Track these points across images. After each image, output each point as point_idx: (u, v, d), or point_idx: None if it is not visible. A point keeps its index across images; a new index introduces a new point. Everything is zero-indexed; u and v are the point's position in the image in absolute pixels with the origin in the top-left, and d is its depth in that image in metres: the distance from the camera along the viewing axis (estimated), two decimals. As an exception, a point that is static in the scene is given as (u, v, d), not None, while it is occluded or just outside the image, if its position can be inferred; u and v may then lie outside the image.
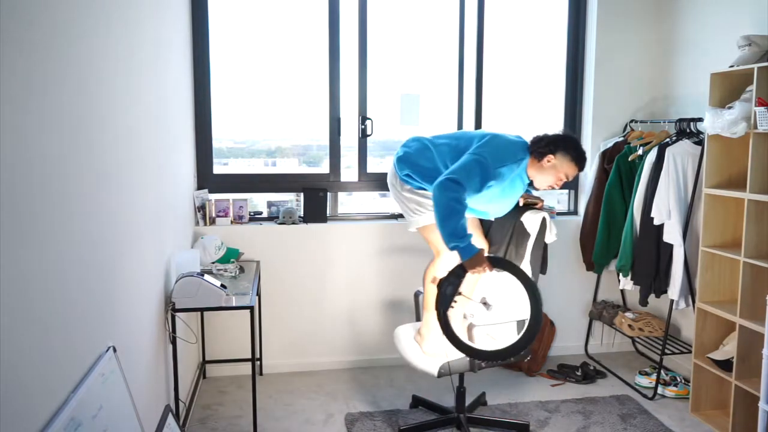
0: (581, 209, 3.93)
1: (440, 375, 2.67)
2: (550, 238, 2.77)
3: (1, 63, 1.12)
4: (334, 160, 3.72)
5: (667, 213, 3.21)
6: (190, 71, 3.41)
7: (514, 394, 3.33)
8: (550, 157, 2.64)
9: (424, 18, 3.80)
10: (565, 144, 2.65)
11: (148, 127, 2.32)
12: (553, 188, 2.73)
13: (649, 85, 3.87)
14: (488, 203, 2.73)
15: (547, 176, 2.68)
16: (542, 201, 2.86)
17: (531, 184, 2.76)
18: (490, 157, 2.55)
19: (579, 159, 2.67)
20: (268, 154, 3.92)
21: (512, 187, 2.72)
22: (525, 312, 2.54)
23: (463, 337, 2.67)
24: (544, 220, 2.74)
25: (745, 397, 2.79)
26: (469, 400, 3.02)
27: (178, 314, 2.59)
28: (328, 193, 3.69)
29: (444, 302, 2.47)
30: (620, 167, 3.57)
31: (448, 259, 2.66)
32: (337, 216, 3.75)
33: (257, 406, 2.84)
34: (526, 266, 2.73)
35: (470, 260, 2.42)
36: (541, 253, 2.80)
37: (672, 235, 3.22)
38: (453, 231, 2.42)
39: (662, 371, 3.37)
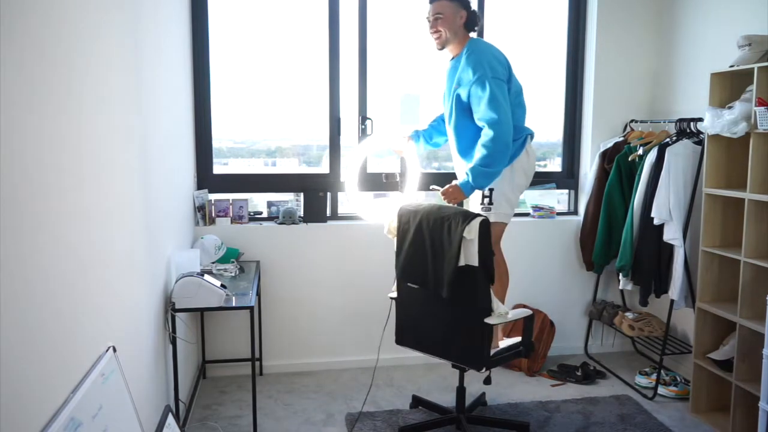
0: (581, 209, 3.92)
1: None
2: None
3: None
4: (334, 160, 3.72)
5: (667, 213, 3.20)
6: (190, 71, 3.41)
7: (514, 394, 3.33)
8: None
9: (424, 18, 3.79)
10: None
11: (148, 127, 2.32)
12: (435, 37, 2.89)
13: (649, 86, 3.87)
14: None
15: None
16: (441, 189, 2.87)
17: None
18: None
19: None
20: (268, 154, 3.92)
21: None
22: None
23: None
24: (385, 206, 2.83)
25: (745, 397, 2.79)
26: (469, 400, 3.02)
27: (178, 314, 2.59)
28: (328, 193, 3.69)
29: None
30: (620, 167, 3.57)
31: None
32: (337, 216, 3.75)
33: (257, 406, 2.84)
34: None
35: None
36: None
37: (672, 235, 3.22)
38: None
39: (662, 371, 3.36)
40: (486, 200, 2.84)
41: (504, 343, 2.82)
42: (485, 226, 2.51)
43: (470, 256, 2.55)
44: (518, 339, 2.80)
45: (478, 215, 2.55)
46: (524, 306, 3.71)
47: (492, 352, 2.67)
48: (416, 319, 2.81)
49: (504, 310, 2.59)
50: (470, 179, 2.72)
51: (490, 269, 2.54)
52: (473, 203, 2.98)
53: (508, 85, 2.80)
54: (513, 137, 2.78)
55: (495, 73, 2.72)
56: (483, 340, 2.58)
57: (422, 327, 2.80)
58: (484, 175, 2.72)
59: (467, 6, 2.88)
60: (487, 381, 2.75)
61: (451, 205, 2.76)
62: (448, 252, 2.56)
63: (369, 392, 3.26)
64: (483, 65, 2.72)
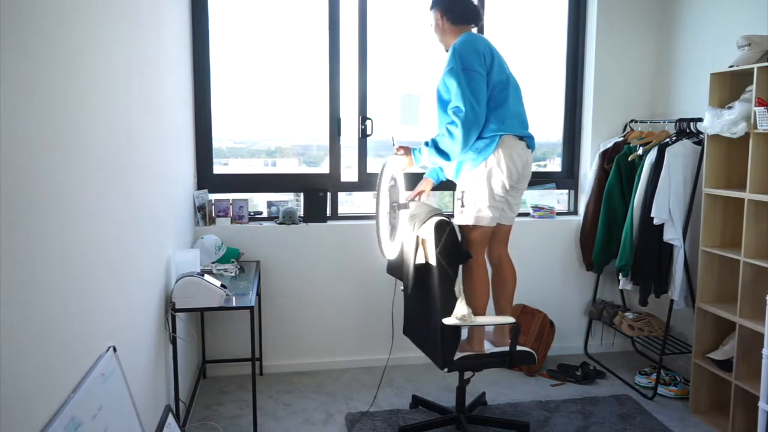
0: (581, 209, 3.93)
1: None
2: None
3: (0, 63, 1.12)
4: (334, 160, 3.72)
5: (667, 213, 3.21)
6: (190, 71, 3.41)
7: (514, 394, 3.33)
8: None
9: (424, 18, 3.80)
10: None
11: (149, 127, 2.32)
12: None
13: (649, 86, 3.87)
14: None
15: None
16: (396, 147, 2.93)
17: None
18: None
19: None
20: (268, 154, 3.92)
21: None
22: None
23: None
24: None
25: (745, 397, 2.79)
26: (469, 400, 3.02)
27: (178, 314, 2.59)
28: (328, 193, 3.69)
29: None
30: (620, 167, 3.57)
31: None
32: (337, 216, 3.75)
33: (257, 406, 2.84)
34: None
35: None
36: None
37: (672, 235, 3.22)
38: None
39: (662, 371, 3.37)
40: (458, 202, 2.79)
41: (490, 348, 2.81)
42: (443, 227, 2.52)
43: (428, 255, 2.58)
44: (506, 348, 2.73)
45: (439, 216, 2.56)
46: (524, 306, 3.72)
47: (464, 354, 2.67)
48: (412, 311, 2.94)
49: (462, 313, 2.51)
50: (419, 149, 2.81)
51: (450, 269, 2.54)
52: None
53: (488, 77, 2.67)
54: (480, 134, 2.66)
55: (466, 64, 2.64)
56: (443, 340, 2.58)
57: (414, 319, 2.94)
58: (432, 153, 2.73)
59: (439, 4, 2.85)
60: (465, 382, 2.79)
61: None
62: (411, 249, 2.69)
63: (378, 389, 3.26)
64: (455, 57, 2.67)
